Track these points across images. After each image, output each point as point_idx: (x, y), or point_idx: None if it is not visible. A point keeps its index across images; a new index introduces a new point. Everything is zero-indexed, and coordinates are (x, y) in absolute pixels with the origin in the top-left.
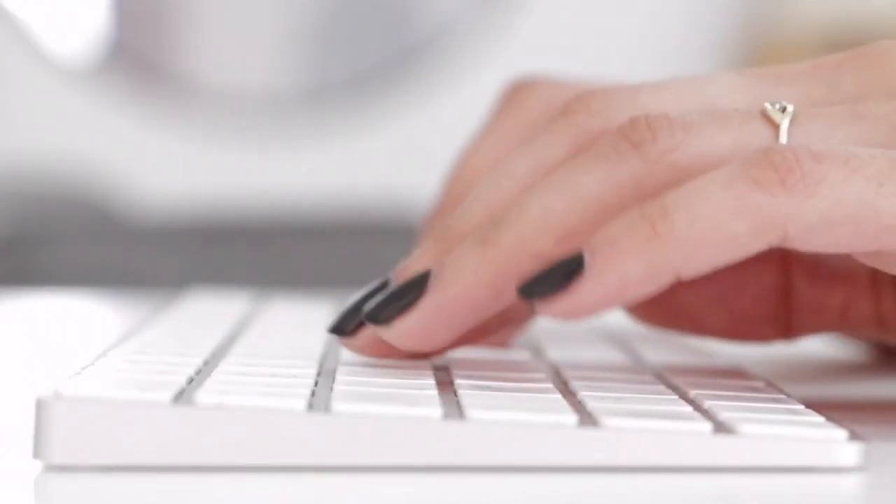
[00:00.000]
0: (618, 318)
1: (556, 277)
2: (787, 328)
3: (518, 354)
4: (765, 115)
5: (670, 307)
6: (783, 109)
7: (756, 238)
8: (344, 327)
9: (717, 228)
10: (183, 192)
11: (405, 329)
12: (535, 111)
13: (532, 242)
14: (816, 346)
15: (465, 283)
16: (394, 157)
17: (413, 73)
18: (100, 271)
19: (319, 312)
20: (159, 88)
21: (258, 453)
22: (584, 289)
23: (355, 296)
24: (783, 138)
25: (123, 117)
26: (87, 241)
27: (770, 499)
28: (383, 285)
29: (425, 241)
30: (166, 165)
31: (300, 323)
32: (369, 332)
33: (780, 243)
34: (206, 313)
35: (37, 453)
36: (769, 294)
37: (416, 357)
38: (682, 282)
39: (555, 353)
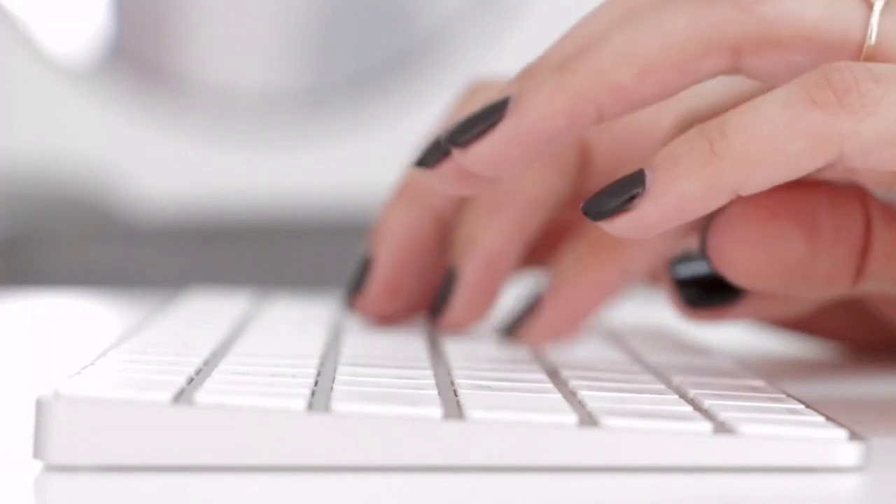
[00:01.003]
0: (618, 318)
1: (618, 195)
2: (859, 275)
3: (518, 354)
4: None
5: (771, 255)
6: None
7: (813, 156)
8: (427, 160)
9: (775, 147)
10: (183, 192)
11: (482, 153)
12: None
13: (612, 72)
14: (816, 346)
15: (541, 109)
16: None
17: (413, 73)
18: (100, 271)
19: (319, 312)
20: (159, 88)
21: (258, 453)
22: (645, 206)
23: (438, 131)
24: (874, 21)
25: (123, 117)
26: (87, 241)
27: (770, 499)
28: (499, 107)
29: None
30: (166, 165)
31: (300, 323)
32: (451, 164)
33: (836, 161)
34: (206, 313)
35: (37, 453)
36: (857, 236)
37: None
38: (781, 228)
39: (555, 353)
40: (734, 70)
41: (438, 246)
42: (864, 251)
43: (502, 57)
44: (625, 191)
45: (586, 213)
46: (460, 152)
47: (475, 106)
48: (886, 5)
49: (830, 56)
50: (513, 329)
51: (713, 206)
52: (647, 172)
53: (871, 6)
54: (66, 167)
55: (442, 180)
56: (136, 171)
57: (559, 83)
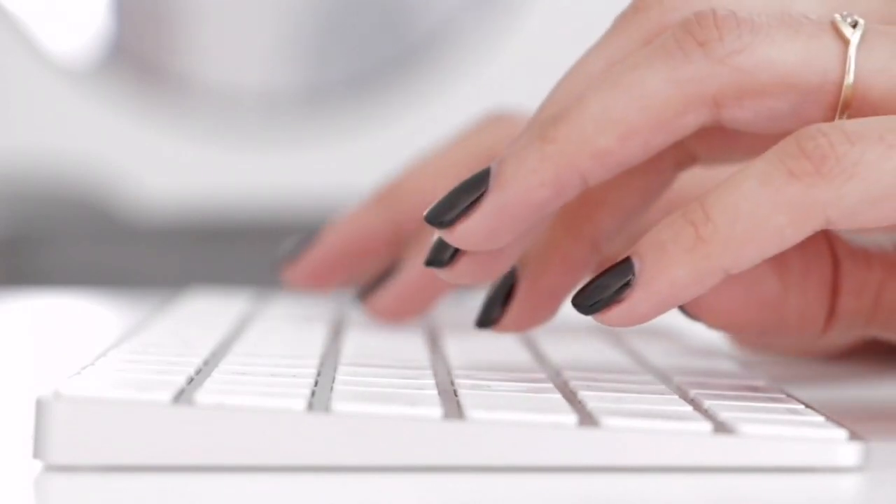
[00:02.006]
0: None
1: (608, 287)
2: (830, 317)
3: (518, 354)
4: (835, 28)
5: (747, 299)
6: (854, 24)
7: (799, 228)
8: (440, 258)
9: (760, 225)
10: (183, 192)
11: (468, 230)
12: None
13: (593, 139)
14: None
15: (525, 181)
16: (394, 157)
17: (412, 73)
18: (100, 271)
19: (319, 312)
20: (159, 88)
21: (258, 453)
22: (636, 297)
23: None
24: (851, 58)
25: (123, 117)
26: (87, 241)
27: (770, 499)
28: (480, 180)
29: (515, 139)
30: (166, 165)
31: (300, 323)
32: (466, 258)
33: (824, 228)
34: (206, 313)
35: (37, 453)
36: (826, 273)
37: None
38: (756, 272)
39: (555, 353)
40: (715, 121)
41: (387, 252)
42: (834, 289)
43: (502, 57)
44: (614, 282)
45: (577, 307)
46: (447, 231)
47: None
48: (863, 39)
49: (810, 99)
50: (489, 319)
51: (705, 289)
52: (635, 261)
53: (846, 42)
54: (66, 167)
55: (460, 277)
56: (136, 171)
57: (541, 152)
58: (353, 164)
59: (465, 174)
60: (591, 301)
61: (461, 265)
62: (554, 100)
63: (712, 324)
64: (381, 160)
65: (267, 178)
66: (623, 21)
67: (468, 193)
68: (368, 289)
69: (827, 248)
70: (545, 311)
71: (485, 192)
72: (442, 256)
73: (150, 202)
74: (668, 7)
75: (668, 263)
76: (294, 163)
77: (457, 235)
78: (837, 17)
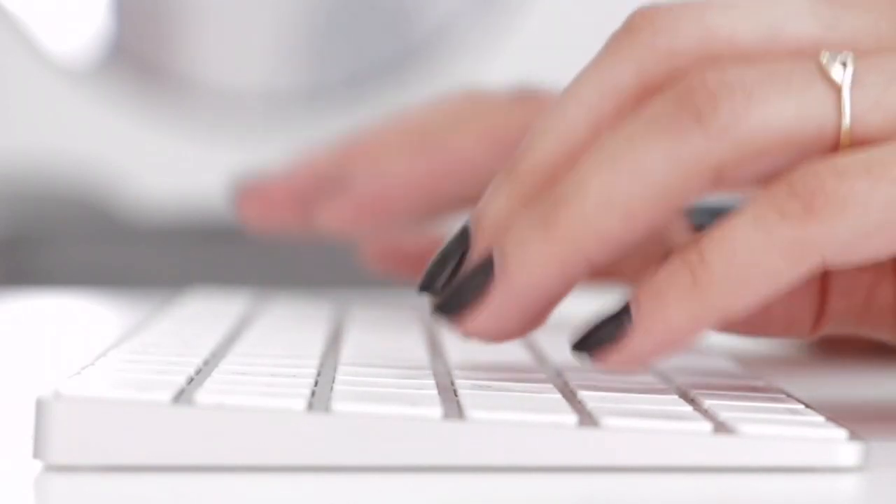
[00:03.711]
0: None
1: (604, 333)
2: (820, 316)
3: (518, 354)
4: (824, 75)
5: None
6: (844, 63)
7: (795, 269)
8: (434, 285)
9: (755, 267)
10: (183, 192)
11: (479, 321)
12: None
13: (596, 222)
14: (816, 347)
15: (531, 271)
16: None
17: (412, 73)
18: (100, 271)
19: (319, 312)
20: (159, 88)
21: (258, 453)
22: (634, 342)
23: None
24: (846, 102)
25: (123, 117)
26: (87, 241)
27: (770, 499)
28: (462, 239)
29: (497, 177)
30: (166, 165)
31: (300, 323)
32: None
33: (822, 267)
34: (206, 313)
35: (37, 453)
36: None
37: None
38: None
39: (555, 354)
40: (716, 188)
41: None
42: (823, 290)
43: (502, 57)
44: (611, 327)
45: (573, 350)
46: (458, 326)
47: (445, 258)
48: (854, 79)
49: (810, 149)
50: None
51: (702, 332)
52: (632, 306)
53: (837, 87)
54: (66, 167)
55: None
56: (136, 171)
57: (544, 239)
58: None
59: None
60: (587, 344)
61: (480, 322)
62: (552, 132)
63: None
64: None
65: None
66: (614, 44)
67: (474, 282)
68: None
69: None
70: (525, 323)
71: (490, 281)
72: (435, 283)
73: (150, 202)
74: (660, 29)
75: (664, 308)
76: None
77: (468, 327)
78: (825, 59)
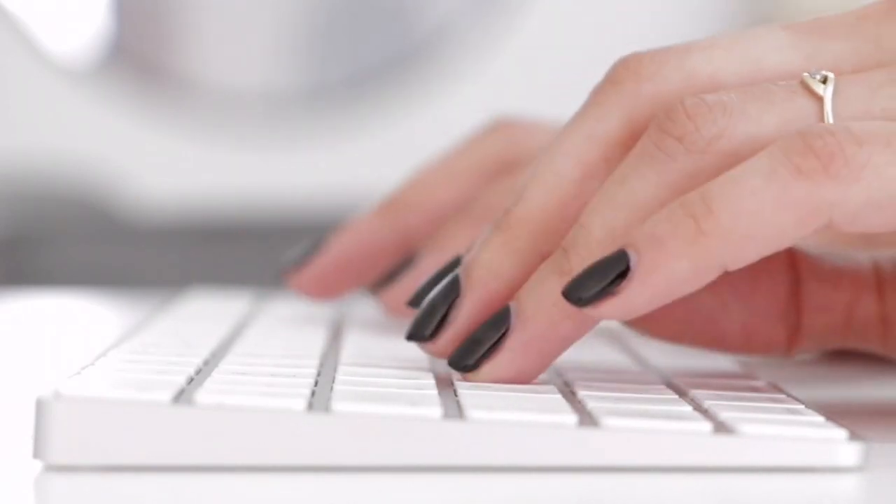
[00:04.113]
0: None
1: (601, 279)
2: (796, 332)
3: None
4: (806, 88)
5: (684, 311)
6: (824, 80)
7: (801, 227)
8: (422, 333)
9: (764, 223)
10: (183, 192)
11: (496, 373)
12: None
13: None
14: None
15: (548, 315)
16: (394, 157)
17: (412, 73)
18: (100, 271)
19: (319, 312)
20: (159, 88)
21: (258, 453)
22: (633, 290)
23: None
24: (828, 112)
25: (123, 117)
26: (87, 241)
27: (770, 499)
28: (452, 288)
29: (488, 230)
30: (166, 165)
31: (300, 323)
32: (449, 333)
33: (824, 228)
34: (206, 313)
35: (37, 453)
36: (780, 291)
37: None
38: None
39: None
40: None
41: (392, 260)
42: (797, 307)
43: (502, 57)
44: (608, 273)
45: (567, 298)
46: (473, 374)
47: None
48: (835, 92)
49: None
50: (421, 334)
51: (702, 284)
52: (631, 253)
53: (819, 98)
54: (66, 167)
55: (444, 349)
56: (136, 171)
57: (559, 283)
58: (352, 164)
59: (472, 181)
60: (583, 293)
61: (444, 341)
62: (543, 184)
63: (652, 334)
64: (380, 160)
65: (267, 178)
66: (599, 94)
67: (489, 334)
68: (383, 282)
69: (784, 266)
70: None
71: (507, 332)
72: (424, 331)
73: (150, 202)
74: (643, 77)
75: (666, 256)
76: (294, 163)
77: (485, 376)
78: (806, 75)
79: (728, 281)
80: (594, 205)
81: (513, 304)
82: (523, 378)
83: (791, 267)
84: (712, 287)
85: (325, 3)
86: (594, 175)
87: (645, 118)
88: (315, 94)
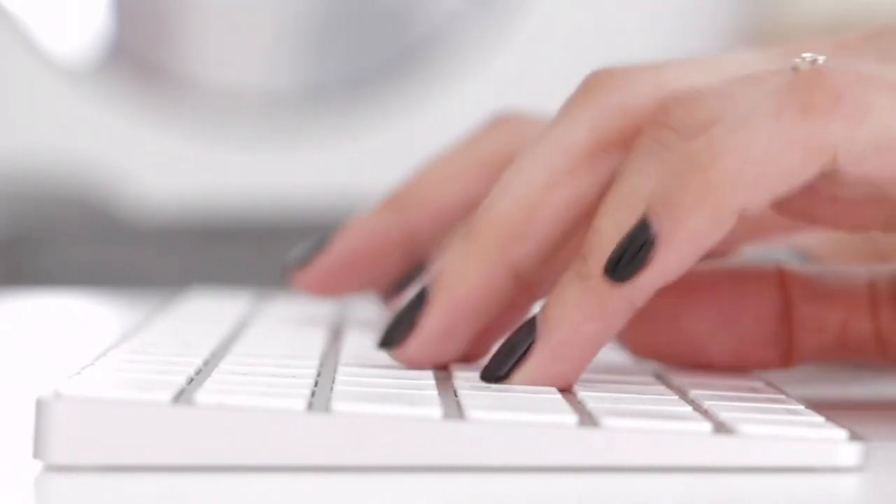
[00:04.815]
0: None
1: (632, 253)
2: (789, 352)
3: None
4: (798, 71)
5: (671, 335)
6: (813, 61)
7: (809, 166)
8: (390, 339)
9: (771, 163)
10: (183, 192)
11: (528, 379)
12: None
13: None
14: None
15: (571, 320)
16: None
17: (412, 73)
18: (100, 271)
19: (319, 312)
20: (159, 88)
21: (258, 453)
22: (661, 255)
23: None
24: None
25: (123, 117)
26: (87, 241)
27: (770, 499)
28: (421, 299)
29: (455, 237)
30: (166, 165)
31: (300, 323)
32: (419, 340)
33: (829, 168)
34: (206, 313)
35: (37, 453)
36: (769, 314)
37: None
38: (683, 309)
39: None
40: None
41: (401, 257)
42: (789, 327)
43: (502, 57)
44: (636, 246)
45: (610, 275)
46: (505, 382)
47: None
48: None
49: None
50: (391, 339)
51: (726, 231)
52: (653, 220)
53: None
54: (66, 167)
55: (411, 356)
56: (136, 171)
57: (581, 289)
58: (352, 164)
59: (476, 177)
60: (622, 270)
61: (412, 346)
62: (511, 193)
63: (640, 355)
64: (380, 160)
65: (267, 177)
66: (570, 105)
67: (519, 343)
68: (394, 290)
69: (773, 290)
70: (455, 341)
71: (534, 339)
72: (393, 338)
73: (150, 202)
74: (614, 87)
75: (684, 214)
76: (294, 163)
77: (518, 382)
78: (798, 59)
79: (715, 307)
80: (604, 207)
81: (539, 314)
82: (559, 383)
83: (781, 290)
84: (699, 313)
85: (325, 4)
86: (560, 183)
87: (612, 128)
88: (315, 94)
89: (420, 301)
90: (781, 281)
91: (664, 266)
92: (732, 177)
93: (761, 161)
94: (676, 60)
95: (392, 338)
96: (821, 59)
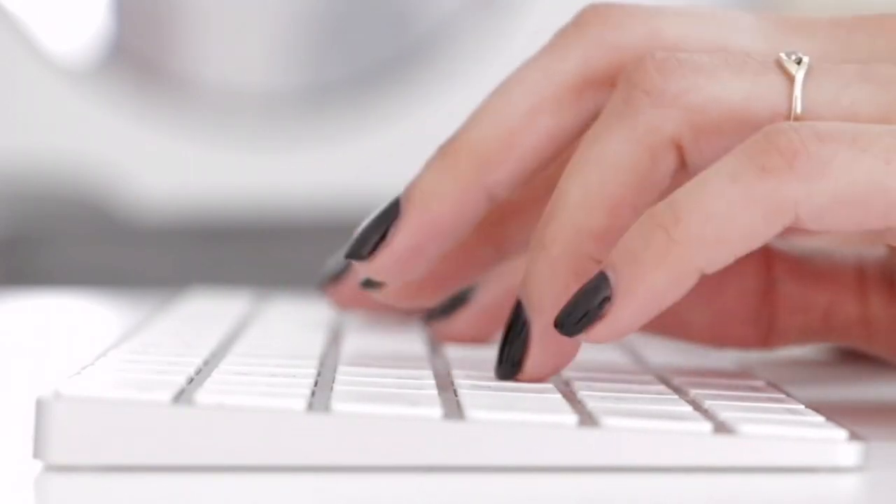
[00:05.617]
0: None
1: (586, 305)
2: (770, 331)
3: None
4: (780, 66)
5: None
6: (798, 61)
7: (770, 224)
8: (360, 252)
9: (732, 223)
10: (183, 192)
11: (537, 366)
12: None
13: (587, 225)
14: (814, 347)
15: (547, 290)
16: (394, 157)
17: (413, 73)
18: (100, 271)
19: (319, 312)
20: (159, 88)
21: (258, 453)
22: (617, 310)
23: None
24: (797, 92)
25: (123, 117)
26: (87, 241)
27: (770, 499)
28: (392, 211)
29: (433, 154)
30: (166, 165)
31: (300, 323)
32: (386, 253)
33: (792, 225)
34: (206, 313)
35: (37, 453)
36: (752, 290)
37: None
38: None
39: None
40: (683, 166)
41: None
42: (771, 306)
43: (502, 57)
44: (592, 299)
45: (560, 329)
46: (520, 374)
47: None
48: (808, 75)
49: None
50: (359, 253)
51: (684, 291)
52: (610, 274)
53: (791, 78)
54: (66, 167)
55: (379, 269)
56: (136, 171)
57: (549, 259)
58: (352, 164)
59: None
60: (573, 321)
61: (380, 260)
62: (494, 113)
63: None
64: (381, 160)
65: (267, 177)
66: (563, 35)
67: (514, 328)
68: (437, 314)
69: (756, 267)
70: (422, 260)
71: (525, 322)
72: (361, 250)
73: (150, 202)
74: (609, 23)
75: (643, 271)
76: (294, 163)
77: (528, 374)
78: (782, 55)
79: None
80: (570, 168)
81: (521, 294)
82: (566, 360)
83: (766, 268)
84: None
85: (325, 4)
86: (544, 111)
87: (602, 65)
88: (315, 94)
89: (390, 215)
90: (767, 258)
91: (617, 322)
92: (693, 238)
93: (721, 223)
94: (676, 9)
95: (360, 250)
96: (805, 59)
